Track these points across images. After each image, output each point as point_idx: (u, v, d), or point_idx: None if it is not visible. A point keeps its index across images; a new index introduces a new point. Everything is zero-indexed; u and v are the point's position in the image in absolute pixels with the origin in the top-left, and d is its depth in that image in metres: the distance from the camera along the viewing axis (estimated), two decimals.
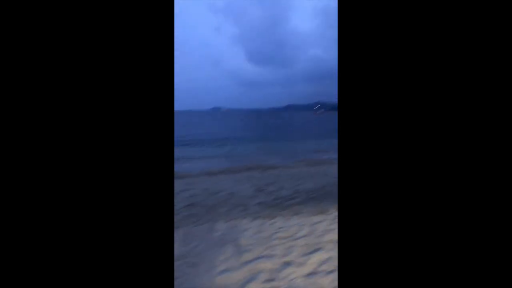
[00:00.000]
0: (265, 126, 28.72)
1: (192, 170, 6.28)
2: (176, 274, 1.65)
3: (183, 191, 4.08)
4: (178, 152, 7.71)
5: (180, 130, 17.62)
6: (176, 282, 1.62)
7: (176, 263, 1.83)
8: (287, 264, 1.81)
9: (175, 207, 3.24)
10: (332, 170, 5.97)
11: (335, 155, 8.54)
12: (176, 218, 2.88)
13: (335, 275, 1.63)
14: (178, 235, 2.35)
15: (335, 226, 2.46)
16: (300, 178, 5.13)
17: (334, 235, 2.22)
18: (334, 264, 1.76)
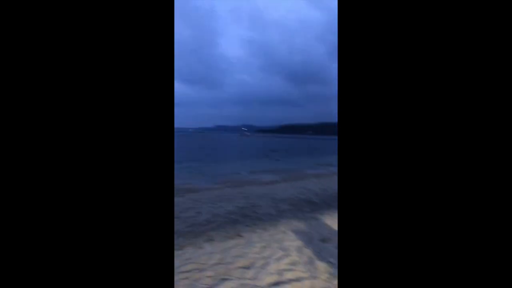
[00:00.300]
0: (191, 146, 27.68)
1: None
2: None
3: None
4: None
5: None
6: None
7: None
8: None
9: None
10: (254, 190, 6.10)
11: (258, 176, 8.84)
12: None
13: None
14: None
15: (248, 250, 2.40)
16: (221, 201, 4.99)
17: (244, 261, 2.15)
18: None
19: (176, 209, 4.30)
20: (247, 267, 2.02)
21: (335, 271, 1.90)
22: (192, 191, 6.05)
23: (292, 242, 2.53)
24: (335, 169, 11.06)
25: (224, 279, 1.85)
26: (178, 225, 3.44)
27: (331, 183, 6.80)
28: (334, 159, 16.77)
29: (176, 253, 2.44)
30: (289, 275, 1.86)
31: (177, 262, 2.22)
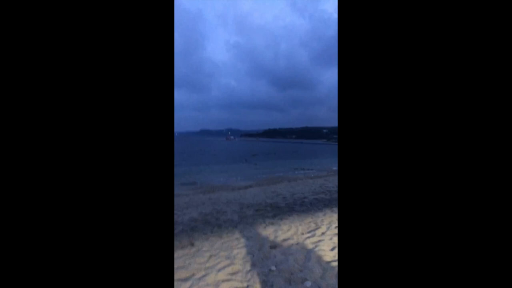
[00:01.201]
0: (176, 150, 27.04)
1: None
2: None
3: None
4: None
5: None
6: None
7: None
8: None
9: None
10: (225, 196, 6.00)
11: (232, 181, 8.75)
12: None
13: None
14: None
15: (193, 260, 2.31)
16: (188, 207, 4.86)
17: (185, 272, 2.06)
18: None
19: None
20: (184, 279, 1.93)
21: (269, 279, 1.86)
22: None
23: (241, 249, 2.47)
24: (310, 173, 11.21)
25: None
26: None
27: (301, 187, 6.85)
28: (311, 163, 17.03)
29: None
30: (224, 286, 1.79)
31: None
